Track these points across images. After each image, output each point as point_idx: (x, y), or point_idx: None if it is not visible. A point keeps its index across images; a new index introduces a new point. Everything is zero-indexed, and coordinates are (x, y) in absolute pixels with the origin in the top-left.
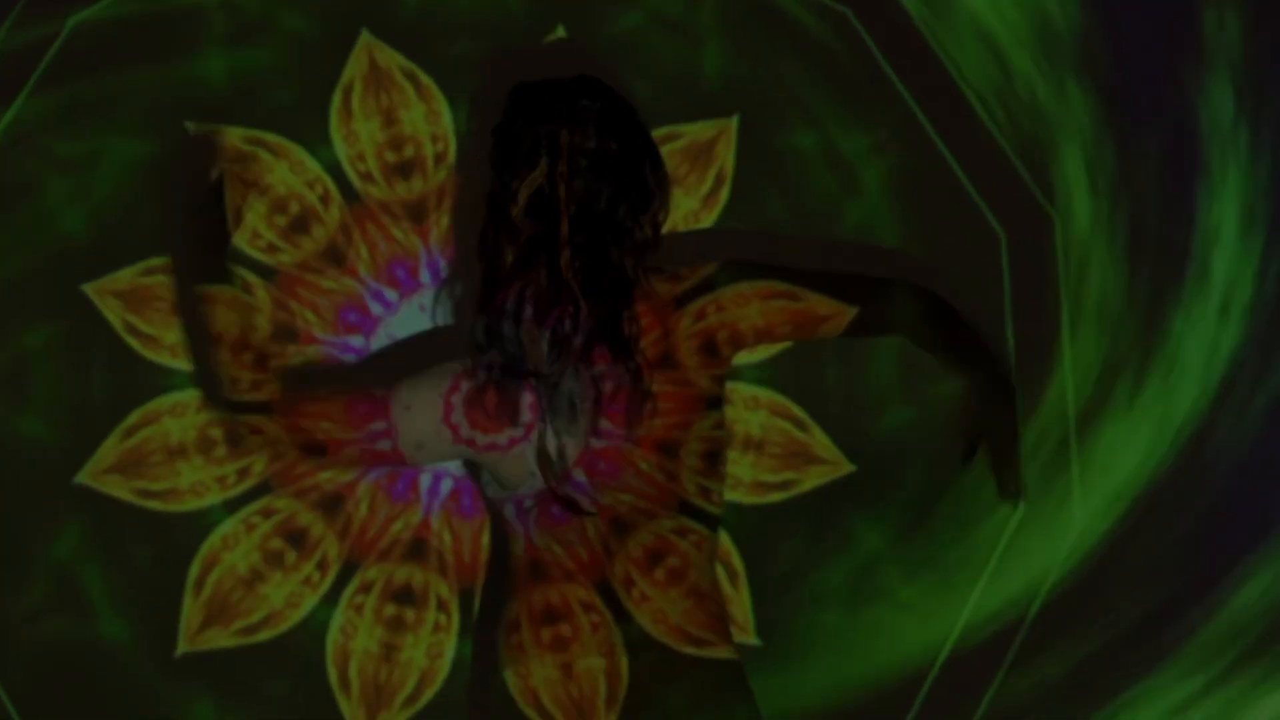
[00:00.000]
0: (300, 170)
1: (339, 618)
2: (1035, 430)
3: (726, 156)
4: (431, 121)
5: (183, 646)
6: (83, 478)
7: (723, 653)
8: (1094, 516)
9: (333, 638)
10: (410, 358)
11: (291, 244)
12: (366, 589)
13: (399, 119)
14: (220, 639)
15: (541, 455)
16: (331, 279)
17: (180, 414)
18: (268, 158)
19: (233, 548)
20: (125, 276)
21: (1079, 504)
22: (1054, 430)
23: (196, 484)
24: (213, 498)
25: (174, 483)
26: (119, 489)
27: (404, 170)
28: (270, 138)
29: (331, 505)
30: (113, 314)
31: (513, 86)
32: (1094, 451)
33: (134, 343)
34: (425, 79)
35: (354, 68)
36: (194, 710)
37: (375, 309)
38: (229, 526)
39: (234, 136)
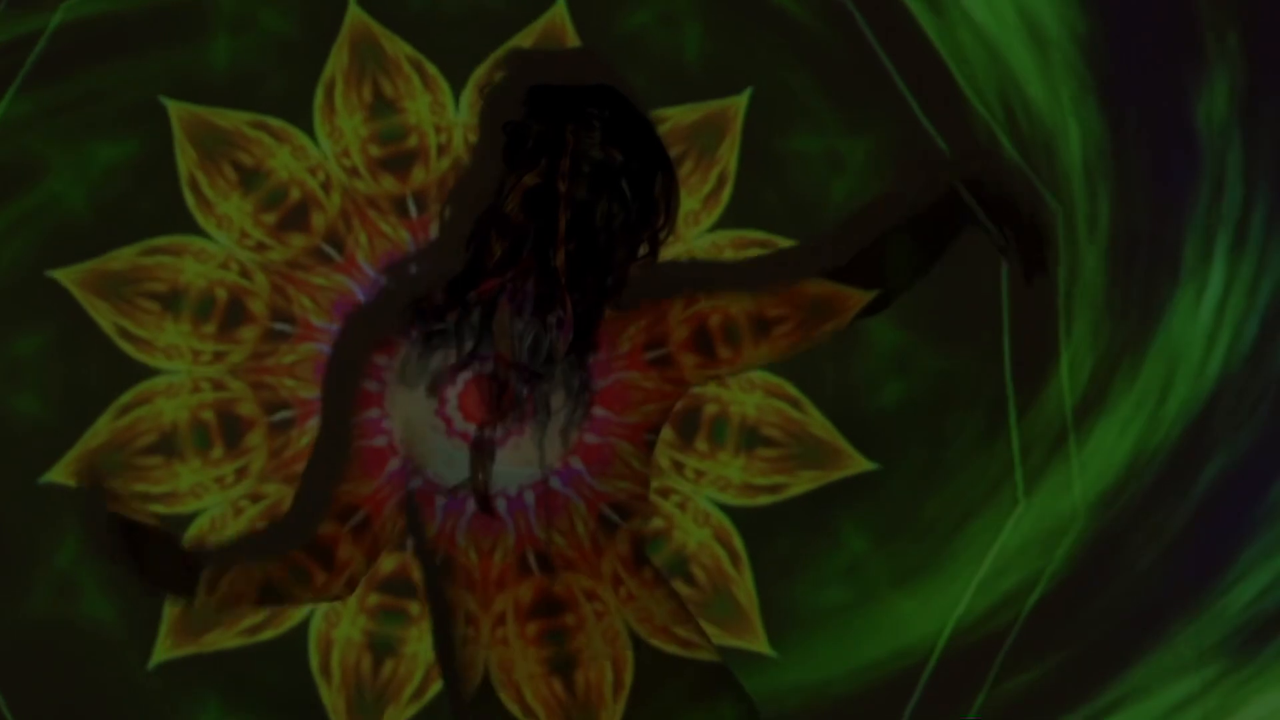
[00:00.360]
0: (302, 156)
1: (321, 605)
2: (1033, 425)
3: (730, 158)
4: (436, 112)
5: (165, 627)
6: (73, 456)
7: (706, 655)
8: (1091, 510)
9: (315, 625)
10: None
11: (280, 241)
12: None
13: (404, 108)
14: (225, 640)
15: (479, 451)
16: (322, 276)
17: (174, 394)
18: (270, 142)
19: (219, 531)
20: (126, 255)
21: (1081, 499)
22: (1053, 425)
23: (196, 486)
24: (212, 498)
25: (173, 485)
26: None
27: (390, 163)
28: (274, 122)
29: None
30: (104, 319)
31: (529, 88)
32: (1090, 447)
33: (127, 347)
34: (431, 69)
35: (335, 63)
36: (201, 710)
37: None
38: (217, 510)
39: (238, 119)
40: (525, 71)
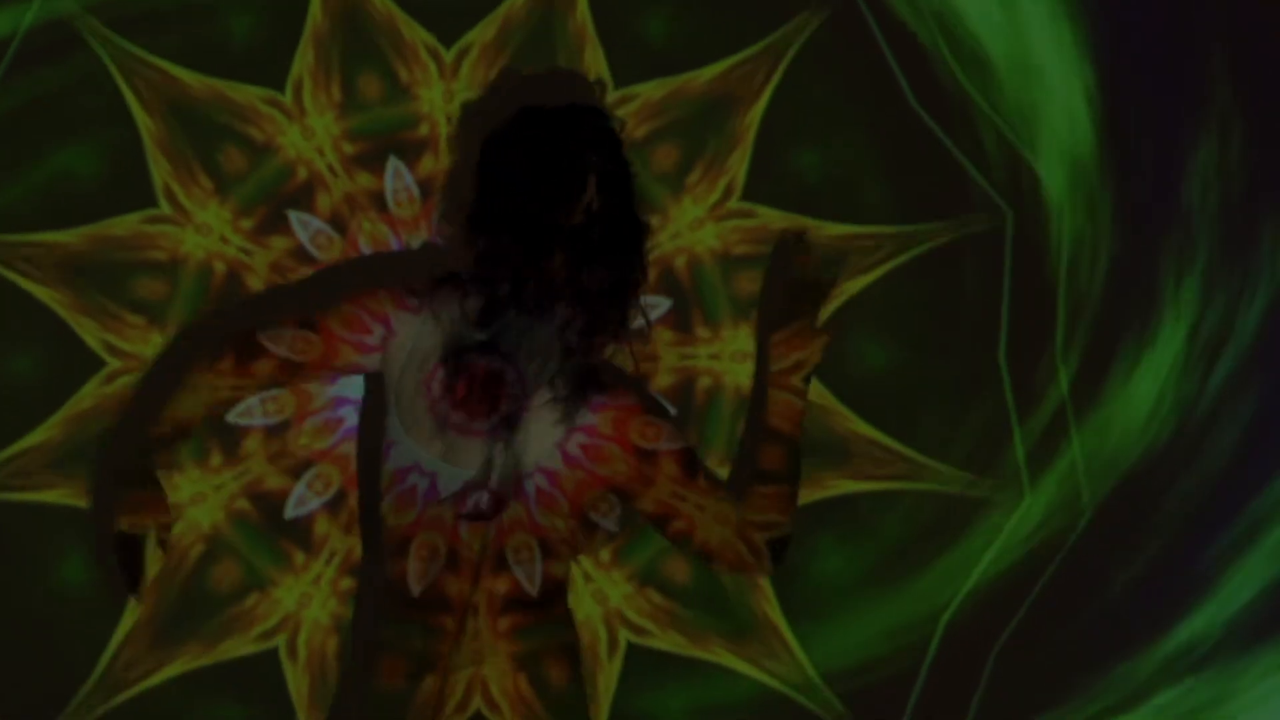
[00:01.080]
0: (311, 136)
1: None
2: (1035, 417)
3: (739, 169)
4: (449, 101)
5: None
6: (59, 419)
7: (659, 644)
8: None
9: (285, 606)
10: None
11: (261, 245)
12: (327, 559)
13: (418, 95)
14: (242, 647)
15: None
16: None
17: None
18: (281, 119)
19: (199, 504)
20: (128, 222)
21: (1086, 489)
22: (1052, 413)
23: (196, 495)
24: (212, 505)
25: (174, 497)
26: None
27: (365, 159)
28: (287, 100)
29: (336, 502)
30: (90, 336)
31: (522, 111)
32: (1091, 435)
33: (115, 363)
34: (449, 57)
35: (300, 63)
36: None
37: None
38: (198, 486)
39: (252, 94)
40: (508, 91)
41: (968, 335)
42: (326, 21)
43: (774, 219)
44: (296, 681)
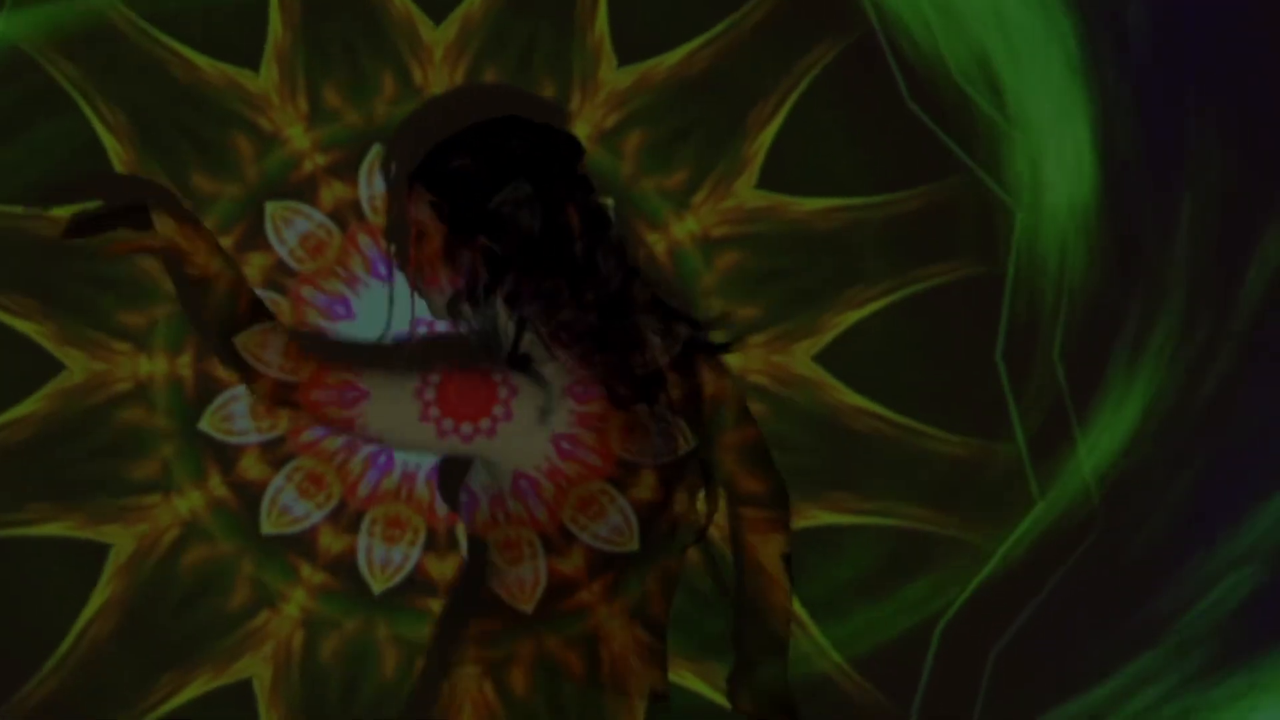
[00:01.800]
0: (318, 131)
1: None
2: (1037, 412)
3: (745, 192)
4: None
5: (109, 572)
6: (46, 393)
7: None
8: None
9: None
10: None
11: (242, 262)
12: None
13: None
14: (254, 665)
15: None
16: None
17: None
18: (292, 112)
19: (180, 484)
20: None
21: (1094, 488)
22: (1053, 416)
23: (195, 511)
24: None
25: (174, 517)
26: (122, 536)
27: (338, 169)
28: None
29: (337, 514)
30: (77, 366)
31: (504, 128)
32: (1092, 429)
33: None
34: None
35: (266, 78)
36: None
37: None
38: (182, 482)
39: (264, 85)
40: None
41: (967, 337)
42: (288, 37)
43: (750, 198)
44: (260, 672)
